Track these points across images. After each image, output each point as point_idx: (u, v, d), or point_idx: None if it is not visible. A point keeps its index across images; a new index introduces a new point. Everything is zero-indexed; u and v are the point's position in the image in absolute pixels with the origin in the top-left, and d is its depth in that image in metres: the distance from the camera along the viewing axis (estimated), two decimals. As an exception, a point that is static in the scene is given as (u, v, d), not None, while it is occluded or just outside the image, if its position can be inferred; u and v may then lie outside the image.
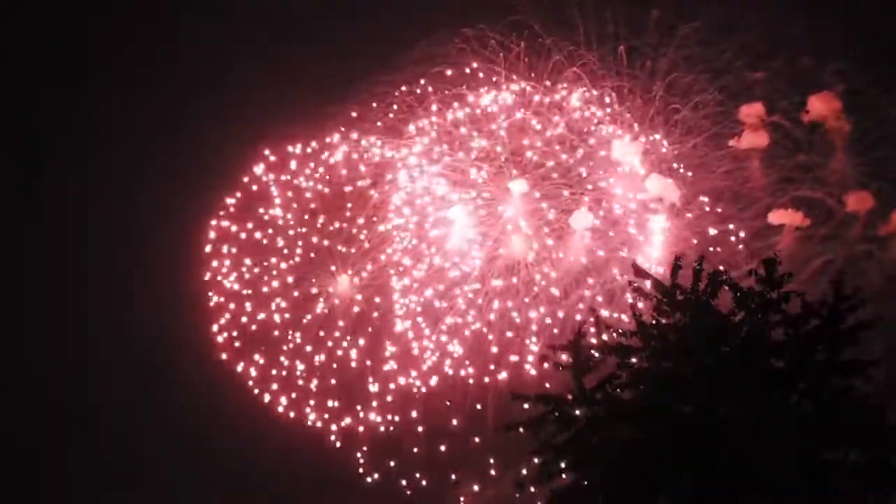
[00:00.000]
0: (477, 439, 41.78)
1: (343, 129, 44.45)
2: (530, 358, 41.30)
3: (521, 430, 19.81)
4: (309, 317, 43.35)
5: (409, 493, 42.14)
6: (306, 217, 44.33)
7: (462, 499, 41.96)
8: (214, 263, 44.37)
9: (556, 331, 40.99)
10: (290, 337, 43.35)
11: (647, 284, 20.72)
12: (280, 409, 42.96)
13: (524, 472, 20.30)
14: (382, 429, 42.59)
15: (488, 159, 42.91)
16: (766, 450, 17.45)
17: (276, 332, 43.53)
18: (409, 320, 42.38)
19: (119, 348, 43.25)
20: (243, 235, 44.48)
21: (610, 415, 19.28)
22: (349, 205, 44.06)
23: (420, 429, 42.34)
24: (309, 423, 42.82)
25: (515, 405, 21.05)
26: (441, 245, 42.55)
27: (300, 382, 43.09)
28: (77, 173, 45.35)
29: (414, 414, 42.37)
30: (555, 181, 42.60)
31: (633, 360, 19.75)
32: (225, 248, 44.49)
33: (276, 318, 43.58)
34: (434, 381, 42.08)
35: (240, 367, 43.41)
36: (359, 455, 42.61)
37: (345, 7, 46.38)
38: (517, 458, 23.13)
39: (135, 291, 44.32)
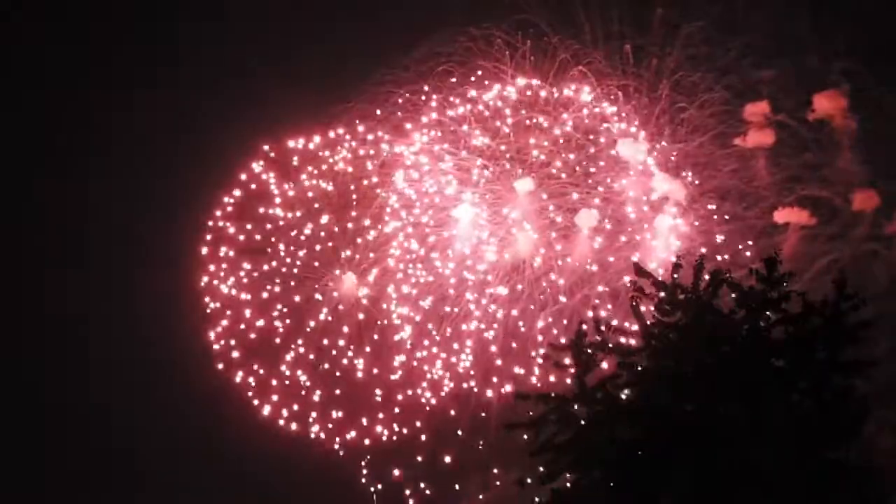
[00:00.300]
0: (480, 445, 41.73)
1: (347, 127, 44.28)
2: (536, 371, 41.19)
3: (522, 430, 19.64)
4: (312, 324, 42.95)
5: (412, 502, 42.15)
6: (301, 215, 43.90)
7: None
8: (212, 267, 43.88)
9: (563, 340, 40.74)
10: (293, 347, 42.87)
11: (650, 284, 20.59)
12: (281, 421, 42.60)
13: (526, 471, 20.18)
14: (385, 438, 42.46)
15: (493, 158, 42.77)
16: (766, 449, 17.36)
17: (277, 340, 43.13)
18: (412, 326, 42.17)
19: (117, 352, 43.19)
20: (242, 237, 44.06)
21: (610, 415, 19.15)
22: (354, 202, 43.85)
23: (423, 437, 42.24)
24: (312, 435, 42.52)
25: (518, 410, 20.89)
26: (445, 248, 42.33)
27: (303, 393, 42.75)
28: (77, 173, 45.36)
29: (418, 424, 42.27)
30: (561, 180, 42.45)
31: (634, 359, 19.61)
32: (222, 251, 43.92)
33: (277, 324, 43.19)
34: (442, 392, 41.95)
35: (238, 377, 42.99)
36: (363, 465, 42.52)
37: (349, 6, 46.40)
38: (519, 459, 23.06)
39: (132, 294, 44.19)
